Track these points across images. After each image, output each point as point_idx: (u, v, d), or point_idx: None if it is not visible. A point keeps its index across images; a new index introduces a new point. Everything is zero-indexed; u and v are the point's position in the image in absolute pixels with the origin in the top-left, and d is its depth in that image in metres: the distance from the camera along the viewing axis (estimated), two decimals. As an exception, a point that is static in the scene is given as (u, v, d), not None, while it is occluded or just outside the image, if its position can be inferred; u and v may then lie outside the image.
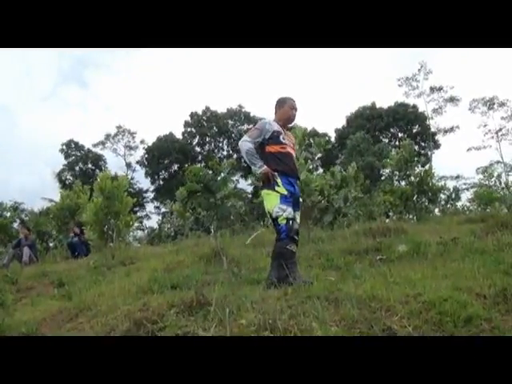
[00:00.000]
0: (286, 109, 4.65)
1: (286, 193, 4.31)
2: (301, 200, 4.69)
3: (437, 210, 16.02)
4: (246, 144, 4.50)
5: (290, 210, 4.27)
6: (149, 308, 3.74)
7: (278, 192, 4.32)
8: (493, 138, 43.06)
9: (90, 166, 50.89)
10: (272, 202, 4.34)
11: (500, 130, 42.85)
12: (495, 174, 12.77)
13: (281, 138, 4.49)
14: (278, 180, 4.34)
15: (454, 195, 17.59)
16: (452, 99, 44.07)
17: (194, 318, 3.36)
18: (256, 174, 4.61)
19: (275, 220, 4.31)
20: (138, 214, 45.52)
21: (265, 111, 76.37)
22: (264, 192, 4.46)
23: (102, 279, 6.36)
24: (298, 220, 4.49)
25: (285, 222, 4.23)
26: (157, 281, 5.01)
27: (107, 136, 51.31)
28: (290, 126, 4.97)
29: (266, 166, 4.38)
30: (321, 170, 25.63)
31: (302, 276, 4.19)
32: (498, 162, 38.29)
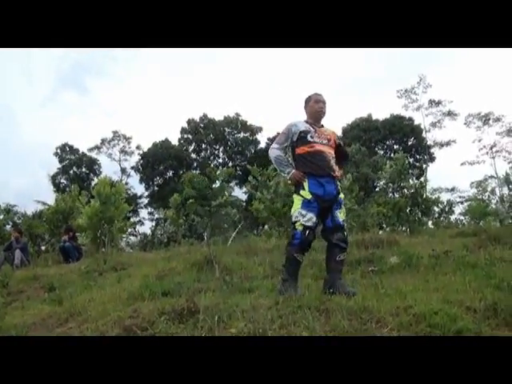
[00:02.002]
0: (311, 104, 4.50)
1: (309, 197, 4.15)
2: (341, 196, 4.42)
3: (430, 223, 16.09)
4: (273, 151, 4.43)
5: (310, 215, 4.11)
6: (139, 315, 3.73)
7: (301, 196, 4.20)
8: (487, 153, 43.31)
9: (84, 170, 50.80)
10: (295, 205, 4.25)
11: (495, 145, 43.09)
12: (489, 189, 12.83)
13: (308, 137, 4.32)
14: (305, 183, 4.21)
15: (447, 208, 17.66)
16: (450, 113, 44.28)
17: (185, 325, 3.36)
18: (286, 180, 4.53)
19: (293, 224, 4.20)
20: (132, 219, 45.38)
21: (261, 120, 76.71)
22: (294, 196, 4.38)
23: (93, 284, 6.32)
24: (342, 217, 4.31)
25: (301, 228, 4.09)
26: (148, 287, 4.98)
27: (103, 141, 51.31)
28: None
29: (294, 171, 4.29)
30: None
31: (298, 289, 4.06)
32: (492, 177, 38.52)
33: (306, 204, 4.15)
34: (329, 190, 4.25)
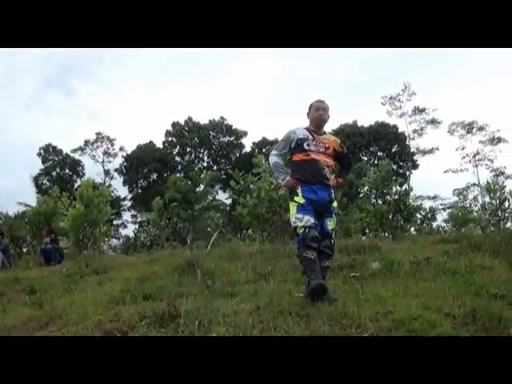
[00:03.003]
0: (311, 111, 4.58)
1: (303, 201, 4.23)
2: (334, 205, 4.48)
3: (413, 229, 16.22)
4: (272, 158, 4.55)
5: (307, 218, 4.17)
6: (120, 319, 3.73)
7: (295, 202, 4.29)
8: (470, 161, 43.83)
9: (67, 171, 50.27)
10: (291, 212, 4.34)
11: (478, 153, 43.62)
12: (471, 197, 12.99)
13: (305, 145, 4.40)
14: (298, 189, 4.29)
15: (429, 215, 17.84)
16: (433, 121, 44.73)
17: (165, 329, 3.35)
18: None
19: (295, 230, 4.29)
20: (114, 222, 45.04)
21: (246, 124, 76.82)
22: (289, 203, 4.48)
23: (74, 288, 6.27)
24: (331, 226, 4.37)
25: (302, 231, 4.14)
26: (129, 291, 4.96)
27: (86, 142, 50.83)
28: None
29: (288, 177, 4.40)
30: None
31: (319, 279, 3.92)
32: (474, 185, 38.97)
33: (301, 208, 4.23)
34: (322, 196, 4.32)
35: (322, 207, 4.30)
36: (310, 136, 4.45)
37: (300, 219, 4.18)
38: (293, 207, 4.30)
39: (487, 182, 11.30)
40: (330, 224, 4.37)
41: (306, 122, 4.65)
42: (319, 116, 4.54)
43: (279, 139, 4.75)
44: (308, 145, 4.39)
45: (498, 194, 10.50)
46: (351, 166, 5.09)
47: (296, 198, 4.29)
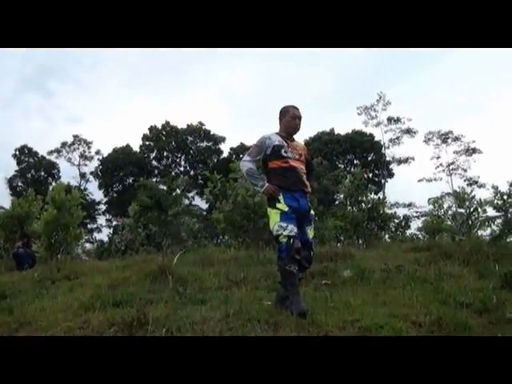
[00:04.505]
0: (287, 119, 4.40)
1: (286, 209, 4.07)
2: (312, 213, 4.38)
3: (387, 237, 16.39)
4: (245, 164, 4.33)
5: (291, 227, 4.00)
6: (89, 325, 3.69)
7: (278, 209, 4.10)
8: (444, 171, 44.59)
9: (42, 173, 49.49)
10: (273, 220, 4.13)
11: (452, 163, 44.40)
12: (445, 206, 13.18)
13: (282, 151, 4.25)
14: (280, 196, 4.12)
15: (403, 223, 18.02)
16: (409, 131, 45.41)
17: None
18: (260, 193, 4.39)
19: (276, 238, 4.09)
20: (89, 226, 44.50)
21: (223, 130, 76.82)
22: (267, 210, 4.28)
23: (45, 293, 6.17)
24: (311, 235, 4.28)
25: (285, 240, 3.96)
26: (100, 297, 4.89)
27: (63, 144, 50.17)
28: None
29: (267, 184, 4.20)
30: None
31: (301, 305, 3.74)
32: (448, 194, 39.57)
33: (285, 216, 4.06)
34: (302, 203, 4.23)
35: (302, 215, 4.20)
36: (284, 142, 4.32)
37: (284, 228, 4.00)
38: (275, 214, 4.11)
39: (457, 191, 11.49)
40: (310, 233, 4.29)
41: (277, 128, 4.52)
42: (295, 126, 4.44)
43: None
44: (285, 151, 4.27)
45: (467, 203, 10.68)
46: (314, 172, 5.04)
47: (279, 205, 4.11)
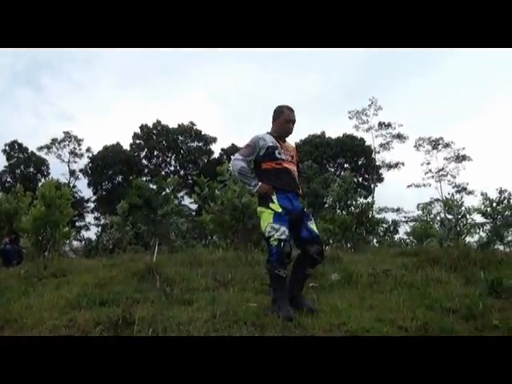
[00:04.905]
0: (281, 121, 4.34)
1: (280, 210, 4.00)
2: (307, 211, 4.35)
3: (375, 241, 16.46)
4: (238, 163, 4.22)
5: (283, 229, 3.93)
6: (75, 324, 3.66)
7: (271, 209, 4.02)
8: (433, 177, 44.91)
9: (32, 169, 49.11)
10: (265, 220, 4.04)
11: (442, 169, 44.73)
12: (434, 212, 13.29)
13: (276, 153, 4.20)
14: (274, 196, 4.06)
15: (392, 228, 18.13)
16: (399, 136, 45.66)
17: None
18: (252, 192, 4.30)
19: (267, 240, 4.01)
20: (77, 223, 44.20)
21: (215, 131, 76.66)
22: (258, 210, 4.21)
23: (31, 290, 6.11)
24: (315, 228, 4.25)
25: (276, 243, 3.89)
26: (86, 296, 4.86)
27: (53, 141, 49.79)
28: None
29: (261, 183, 4.11)
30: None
31: (289, 311, 3.68)
32: (437, 200, 39.84)
33: (278, 217, 4.00)
34: (296, 204, 4.20)
35: (296, 216, 4.13)
36: (277, 144, 4.27)
37: (276, 229, 3.93)
38: (269, 215, 4.03)
39: (446, 198, 11.59)
40: (314, 227, 4.24)
41: (269, 127, 4.45)
42: (289, 129, 4.39)
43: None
44: (279, 153, 4.22)
45: (455, 209, 10.76)
46: (303, 175, 5.00)
47: (272, 206, 4.04)
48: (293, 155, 4.39)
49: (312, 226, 4.24)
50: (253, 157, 4.27)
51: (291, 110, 4.40)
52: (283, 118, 4.34)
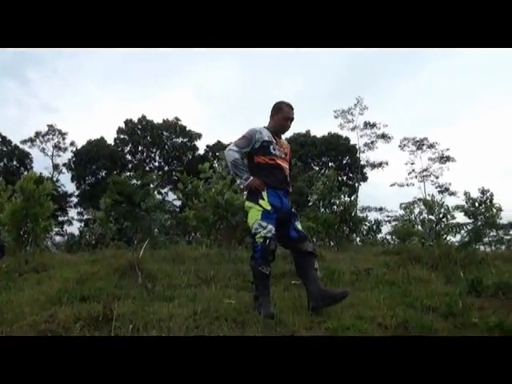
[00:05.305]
0: (279, 118, 4.30)
1: (269, 208, 3.97)
2: (294, 210, 4.34)
3: (358, 239, 16.56)
4: (232, 153, 4.16)
5: (270, 227, 3.90)
6: (55, 320, 3.63)
7: (260, 206, 3.99)
8: (416, 177, 45.33)
9: (15, 163, 48.44)
10: (253, 216, 4.01)
11: (426, 169, 45.15)
12: (416, 211, 13.37)
13: (271, 148, 4.17)
14: (264, 193, 4.03)
15: (375, 227, 18.22)
16: (384, 136, 45.93)
17: (99, 332, 3.29)
18: (243, 186, 4.18)
19: (253, 236, 3.98)
20: (60, 218, 43.78)
21: (200, 127, 76.46)
22: (246, 204, 4.15)
23: (12, 285, 6.04)
24: (301, 227, 4.24)
25: (262, 240, 3.87)
26: (67, 291, 4.82)
27: (37, 134, 49.17)
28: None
29: (252, 177, 4.07)
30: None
31: (270, 308, 3.70)
32: (420, 200, 40.05)
33: (266, 215, 3.97)
34: (285, 203, 4.18)
35: (284, 214, 4.12)
36: (273, 139, 4.24)
37: (264, 227, 3.90)
38: (257, 212, 3.99)
39: (426, 199, 11.71)
40: (300, 227, 4.24)
41: (266, 121, 4.42)
42: (286, 126, 4.39)
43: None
44: (274, 149, 4.20)
45: (436, 209, 10.87)
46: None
47: (262, 202, 4.01)
48: (287, 152, 4.38)
49: (299, 226, 4.24)
50: (248, 149, 4.21)
51: (290, 108, 4.37)
52: (282, 115, 4.32)
